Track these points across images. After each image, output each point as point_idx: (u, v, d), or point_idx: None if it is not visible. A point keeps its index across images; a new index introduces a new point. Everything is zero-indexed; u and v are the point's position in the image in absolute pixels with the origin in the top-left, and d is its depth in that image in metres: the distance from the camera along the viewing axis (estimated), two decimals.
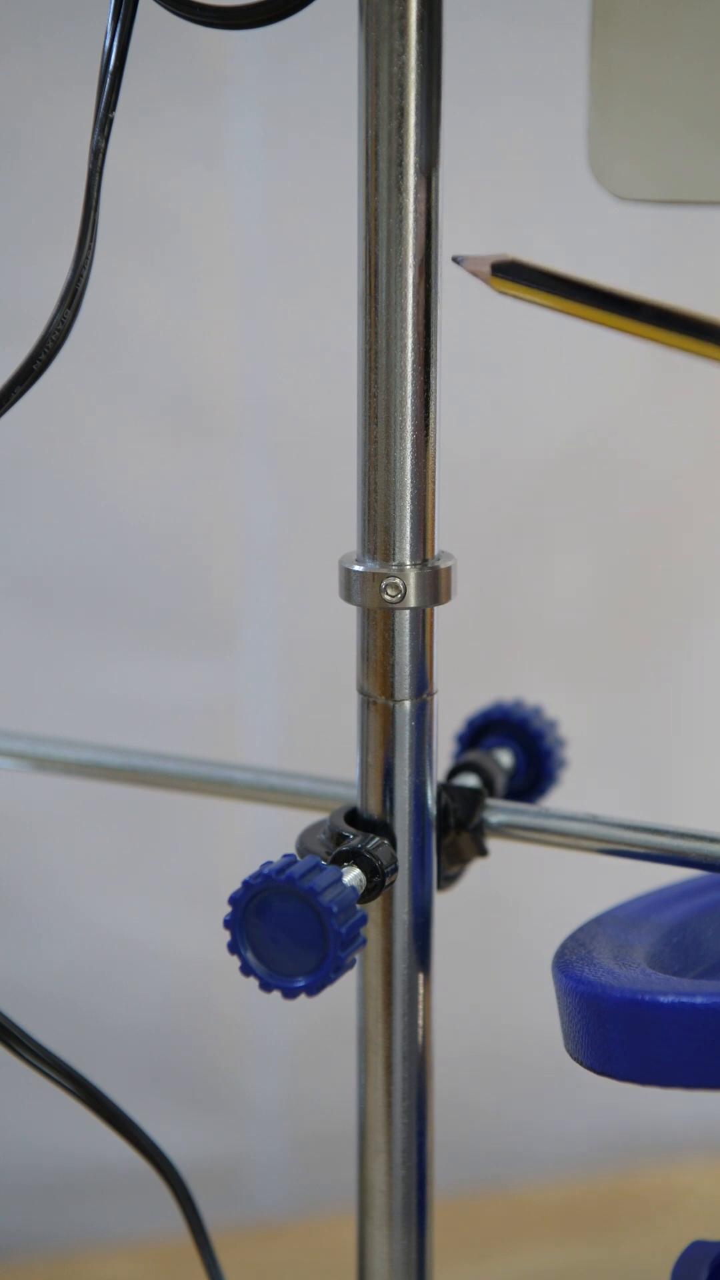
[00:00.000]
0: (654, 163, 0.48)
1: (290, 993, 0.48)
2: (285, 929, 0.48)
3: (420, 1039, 0.53)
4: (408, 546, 0.50)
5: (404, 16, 0.47)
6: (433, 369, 0.49)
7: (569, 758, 0.63)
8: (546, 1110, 1.03)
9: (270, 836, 0.94)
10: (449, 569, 0.50)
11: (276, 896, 0.48)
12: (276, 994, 0.48)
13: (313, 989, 0.48)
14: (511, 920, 1.00)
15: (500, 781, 0.59)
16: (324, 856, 0.50)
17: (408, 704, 0.51)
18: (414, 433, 0.49)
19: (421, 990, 0.53)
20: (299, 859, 0.48)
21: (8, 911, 0.96)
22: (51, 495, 0.92)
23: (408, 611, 0.50)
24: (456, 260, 0.49)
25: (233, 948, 0.48)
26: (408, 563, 0.50)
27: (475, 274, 0.49)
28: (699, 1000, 0.47)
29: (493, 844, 0.54)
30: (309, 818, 0.55)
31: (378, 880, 0.50)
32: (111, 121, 0.49)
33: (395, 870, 0.51)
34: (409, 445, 0.49)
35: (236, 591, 0.95)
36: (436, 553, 0.51)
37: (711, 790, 1.01)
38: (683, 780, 1.01)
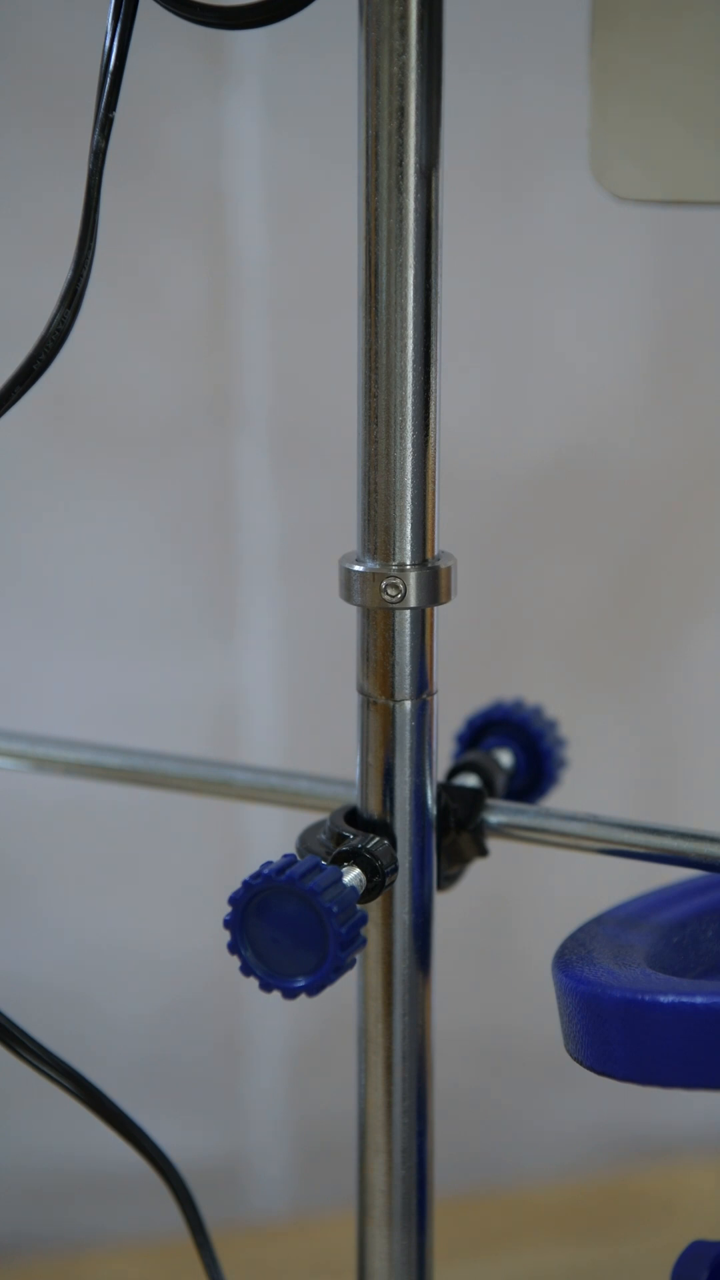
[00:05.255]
0: (654, 163, 0.49)
1: (290, 993, 0.48)
2: (285, 929, 0.48)
3: (420, 1039, 0.53)
4: (408, 546, 0.50)
5: (404, 16, 0.47)
6: (433, 369, 0.49)
7: (569, 758, 0.63)
8: (546, 1110, 1.03)
9: (270, 836, 0.94)
10: (449, 569, 0.50)
11: (277, 896, 0.48)
12: (276, 994, 0.48)
13: (313, 989, 0.48)
14: (511, 920, 1.00)
15: (500, 782, 0.59)
16: (324, 856, 0.50)
17: (408, 704, 0.51)
18: (414, 433, 0.49)
19: (421, 990, 0.53)
20: (299, 859, 0.48)
21: (8, 911, 0.96)
22: (52, 494, 0.92)
23: (408, 611, 0.50)
24: None
25: (233, 948, 0.48)
26: (408, 563, 0.50)
27: None
28: (699, 1000, 0.47)
29: (493, 844, 0.54)
30: (309, 818, 0.55)
31: (378, 880, 0.50)
32: (112, 122, 0.49)
33: (395, 870, 0.51)
34: (409, 445, 0.49)
35: (237, 591, 0.95)
36: (436, 553, 0.51)
37: (711, 790, 1.01)
38: (683, 780, 1.01)
